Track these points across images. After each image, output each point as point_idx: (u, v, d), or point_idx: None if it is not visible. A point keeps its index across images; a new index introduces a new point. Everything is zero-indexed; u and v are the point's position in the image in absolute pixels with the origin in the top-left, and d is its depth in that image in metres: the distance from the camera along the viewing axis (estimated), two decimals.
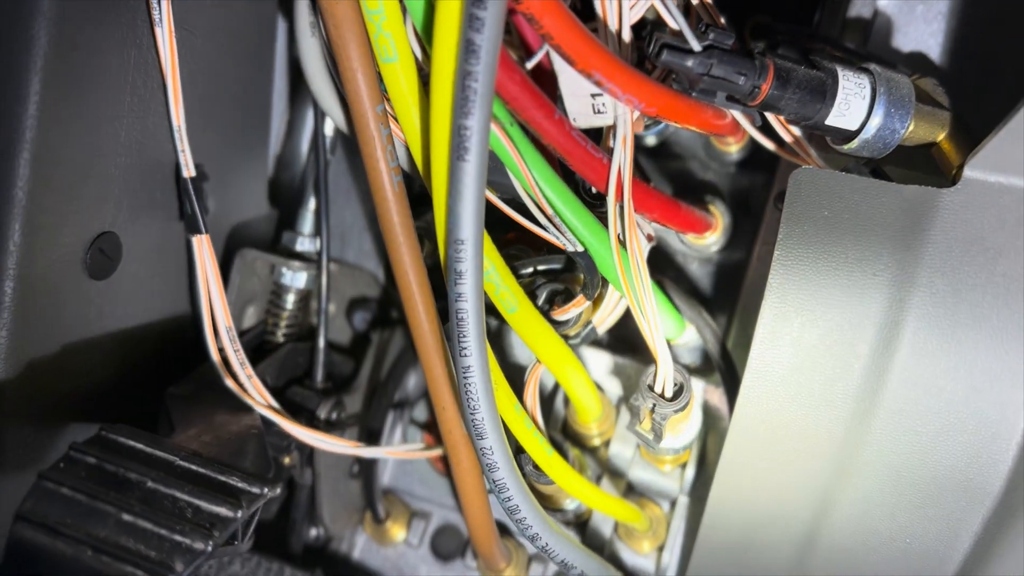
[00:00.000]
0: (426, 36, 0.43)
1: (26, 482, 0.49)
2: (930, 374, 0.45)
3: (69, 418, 0.52)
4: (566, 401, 0.63)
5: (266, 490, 0.39)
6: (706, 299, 0.65)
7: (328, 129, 0.60)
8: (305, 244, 0.62)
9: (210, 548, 0.35)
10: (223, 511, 0.37)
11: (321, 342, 0.60)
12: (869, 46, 0.58)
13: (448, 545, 0.69)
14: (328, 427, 0.58)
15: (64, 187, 0.47)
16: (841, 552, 0.51)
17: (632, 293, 0.49)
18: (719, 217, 0.61)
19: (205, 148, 0.57)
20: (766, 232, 0.61)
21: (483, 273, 0.44)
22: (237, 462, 0.44)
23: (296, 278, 0.61)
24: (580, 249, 0.49)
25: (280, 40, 0.62)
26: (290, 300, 0.61)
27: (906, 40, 0.57)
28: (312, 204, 0.62)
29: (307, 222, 0.62)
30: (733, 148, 0.62)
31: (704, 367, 0.63)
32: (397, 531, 0.69)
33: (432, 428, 0.68)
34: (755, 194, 0.63)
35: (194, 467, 0.39)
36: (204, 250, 0.53)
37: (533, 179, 0.46)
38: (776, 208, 0.61)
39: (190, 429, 0.47)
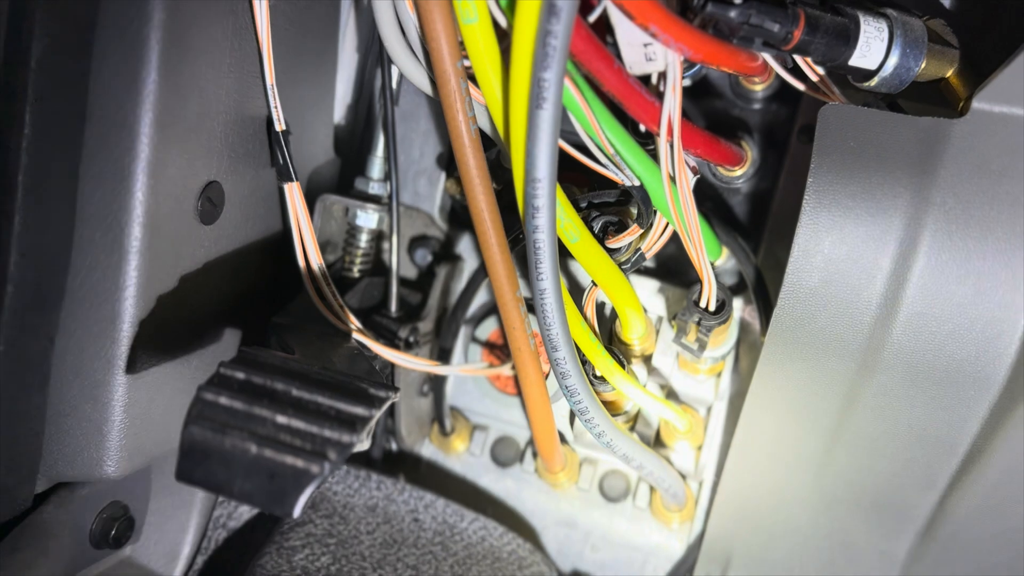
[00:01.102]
0: (507, 1, 0.48)
1: (161, 398, 0.57)
2: (943, 281, 0.50)
3: (190, 345, 0.59)
4: (611, 317, 0.70)
5: (391, 394, 0.46)
6: (736, 225, 0.72)
7: (393, 80, 0.66)
8: (375, 188, 0.68)
9: (356, 441, 0.43)
10: (361, 411, 0.44)
11: (394, 275, 0.66)
12: None
13: (506, 453, 0.77)
14: (407, 347, 0.66)
15: (180, 143, 0.54)
16: (865, 439, 0.58)
17: (681, 221, 0.55)
18: (748, 150, 0.68)
19: (285, 100, 0.62)
20: (791, 163, 0.68)
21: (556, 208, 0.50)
22: None
23: (369, 219, 0.67)
24: (636, 183, 0.55)
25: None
26: (363, 239, 0.68)
27: None
28: (380, 151, 0.68)
29: (375, 168, 0.69)
30: (759, 87, 0.68)
31: (736, 286, 0.70)
32: (459, 443, 0.77)
33: (492, 348, 0.75)
34: (779, 128, 0.70)
35: (328, 378, 0.46)
36: (296, 196, 0.59)
37: (597, 123, 0.52)
38: (799, 141, 0.68)
39: (304, 350, 0.54)
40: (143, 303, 0.54)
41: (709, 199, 0.71)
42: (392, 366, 0.65)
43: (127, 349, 0.54)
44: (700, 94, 0.70)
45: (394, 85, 0.66)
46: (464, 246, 0.77)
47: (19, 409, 0.53)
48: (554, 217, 0.50)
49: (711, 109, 0.70)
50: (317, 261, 0.60)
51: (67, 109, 0.50)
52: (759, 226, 0.70)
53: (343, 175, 0.75)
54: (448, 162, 0.75)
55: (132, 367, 0.55)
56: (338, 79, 0.72)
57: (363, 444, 0.47)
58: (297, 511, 0.41)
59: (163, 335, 0.57)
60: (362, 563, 0.64)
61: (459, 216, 0.78)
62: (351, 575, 0.62)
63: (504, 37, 0.50)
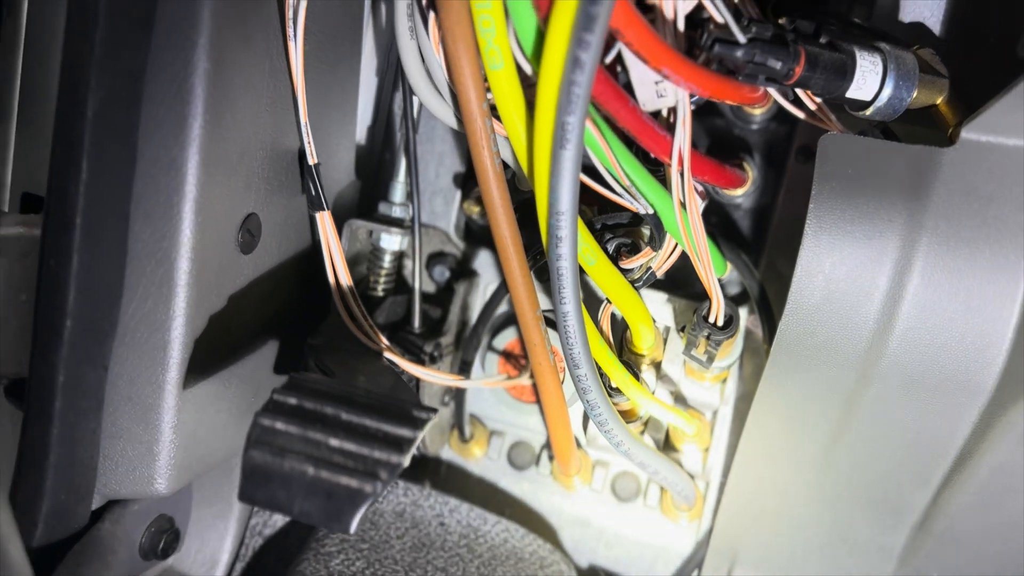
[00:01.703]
0: (530, 49, 0.52)
1: (206, 418, 0.61)
2: (936, 298, 0.53)
3: (231, 367, 0.63)
4: (622, 326, 0.74)
5: (432, 415, 0.50)
6: (738, 238, 0.76)
7: (414, 110, 0.69)
8: (397, 211, 0.72)
9: (404, 461, 0.46)
10: (406, 432, 0.48)
11: (417, 293, 0.70)
12: (873, 20, 0.67)
13: (522, 457, 0.81)
14: (431, 362, 0.70)
15: (223, 181, 0.57)
16: (863, 442, 0.61)
17: (691, 244, 0.59)
18: (749, 171, 0.72)
19: (314, 133, 0.66)
20: (789, 181, 0.72)
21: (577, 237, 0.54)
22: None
23: (392, 241, 0.71)
24: (650, 211, 0.59)
25: (367, 29, 0.72)
26: (387, 260, 0.72)
27: (905, 13, 0.67)
28: (401, 176, 0.72)
29: (397, 192, 0.72)
30: (758, 111, 0.72)
31: (738, 296, 0.75)
32: (478, 448, 0.81)
33: (508, 358, 0.79)
34: (777, 147, 0.73)
35: (372, 400, 0.50)
36: (327, 224, 0.63)
37: (614, 157, 0.56)
38: (797, 161, 0.72)
39: (340, 369, 0.58)
40: (191, 331, 0.58)
41: (713, 214, 0.75)
42: (418, 379, 0.68)
43: (176, 375, 0.58)
44: (702, 115, 0.74)
45: (415, 115, 0.69)
46: (479, 262, 0.80)
47: (76, 434, 0.56)
48: (576, 246, 0.53)
49: (713, 129, 0.74)
50: (347, 283, 0.63)
51: (119, 154, 0.53)
52: (760, 239, 0.74)
53: (362, 194, 0.78)
54: (463, 182, 0.79)
55: (180, 391, 0.58)
56: (364, 104, 0.76)
57: (407, 462, 0.51)
58: (353, 527, 0.45)
59: (208, 360, 0.60)
60: (394, 567, 0.68)
61: (474, 233, 0.82)
62: None
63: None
